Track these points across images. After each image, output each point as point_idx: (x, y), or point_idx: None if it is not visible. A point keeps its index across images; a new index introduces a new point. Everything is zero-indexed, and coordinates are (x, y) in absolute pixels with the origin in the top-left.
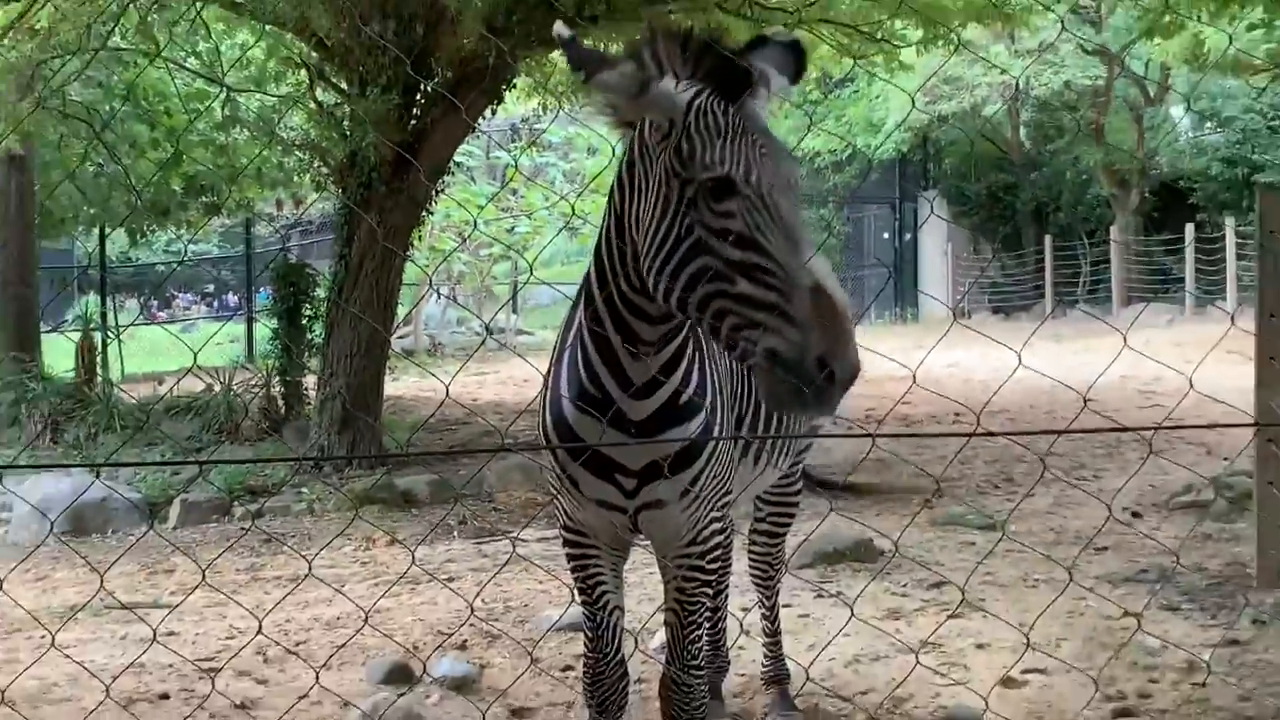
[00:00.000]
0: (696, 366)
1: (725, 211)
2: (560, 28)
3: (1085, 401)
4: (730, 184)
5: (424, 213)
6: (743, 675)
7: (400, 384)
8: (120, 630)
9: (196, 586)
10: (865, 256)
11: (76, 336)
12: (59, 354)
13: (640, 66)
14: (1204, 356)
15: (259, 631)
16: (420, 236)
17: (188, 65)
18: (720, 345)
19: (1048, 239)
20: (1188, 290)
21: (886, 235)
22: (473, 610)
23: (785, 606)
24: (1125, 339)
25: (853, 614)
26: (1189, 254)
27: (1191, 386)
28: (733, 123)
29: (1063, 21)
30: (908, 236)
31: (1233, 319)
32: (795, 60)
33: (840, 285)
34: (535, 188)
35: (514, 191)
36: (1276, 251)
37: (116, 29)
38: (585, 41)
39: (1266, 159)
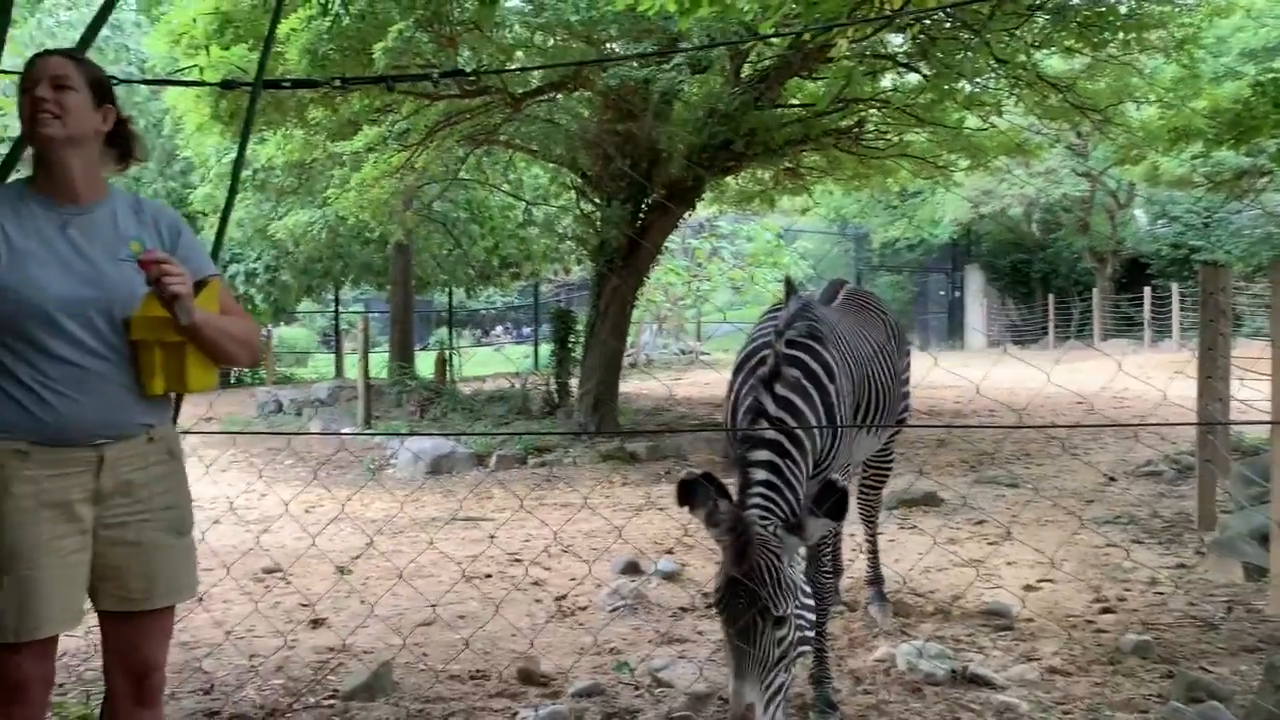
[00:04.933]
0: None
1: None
2: (683, 484)
3: (1098, 408)
4: (720, 603)
5: (644, 278)
6: (852, 578)
7: (627, 385)
8: (461, 533)
9: (507, 508)
10: (929, 306)
11: (434, 353)
12: (425, 364)
13: (709, 512)
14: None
15: (554, 538)
16: (641, 293)
17: (501, 189)
18: None
19: (1050, 296)
20: (1146, 330)
21: (942, 293)
22: (680, 528)
23: (881, 534)
24: (1120, 365)
25: (935, 543)
26: (1146, 307)
27: (1165, 396)
28: (735, 566)
29: (1079, 153)
30: (957, 294)
31: (1194, 350)
32: (838, 504)
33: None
34: (713, 262)
35: (699, 264)
36: (1211, 307)
37: (463, 168)
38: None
39: (1201, 244)
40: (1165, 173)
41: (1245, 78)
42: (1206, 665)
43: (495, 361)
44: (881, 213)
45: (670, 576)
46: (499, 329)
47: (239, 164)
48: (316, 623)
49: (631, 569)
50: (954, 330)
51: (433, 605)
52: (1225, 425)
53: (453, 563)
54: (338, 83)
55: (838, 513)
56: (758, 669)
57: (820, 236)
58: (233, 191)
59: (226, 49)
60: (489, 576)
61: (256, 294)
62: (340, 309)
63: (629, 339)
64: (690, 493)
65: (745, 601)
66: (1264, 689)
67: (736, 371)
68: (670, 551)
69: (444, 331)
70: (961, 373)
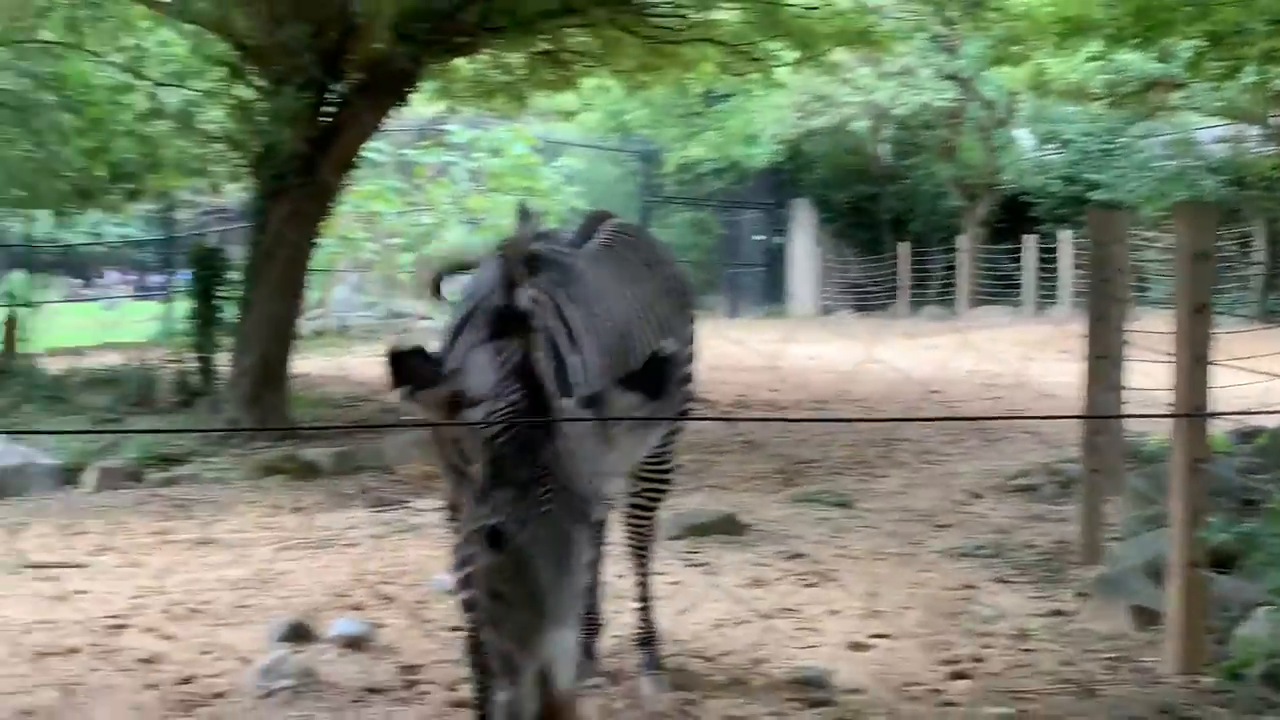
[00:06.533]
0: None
1: (489, 565)
2: (395, 357)
3: (933, 392)
4: (496, 541)
5: (334, 204)
6: (616, 637)
7: (310, 362)
8: (34, 588)
9: (106, 548)
10: (740, 255)
11: (2, 312)
12: None
13: (452, 392)
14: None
15: (163, 591)
16: (331, 226)
17: (112, 60)
18: None
19: (903, 245)
20: (1027, 295)
21: (760, 237)
22: (368, 574)
23: (657, 574)
24: (966, 337)
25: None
26: (1029, 262)
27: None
28: (521, 474)
29: (945, 48)
30: (778, 239)
31: (1064, 322)
32: (655, 379)
33: (568, 670)
34: (440, 184)
35: (420, 187)
36: (1103, 264)
37: (45, 23)
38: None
39: (1100, 178)
40: (1056, 79)
41: None
42: None
43: (102, 325)
44: (678, 123)
45: (355, 643)
46: (110, 275)
47: None
48: None
49: (297, 635)
50: (775, 290)
51: None
52: (1117, 421)
53: (15, 632)
54: None
55: (654, 387)
56: (570, 613)
57: (594, 153)
58: None
59: None
60: (75, 652)
61: None
62: None
63: (310, 295)
64: (409, 368)
65: (554, 502)
66: None
67: (454, 334)
68: (358, 607)
69: (17, 279)
70: (781, 350)
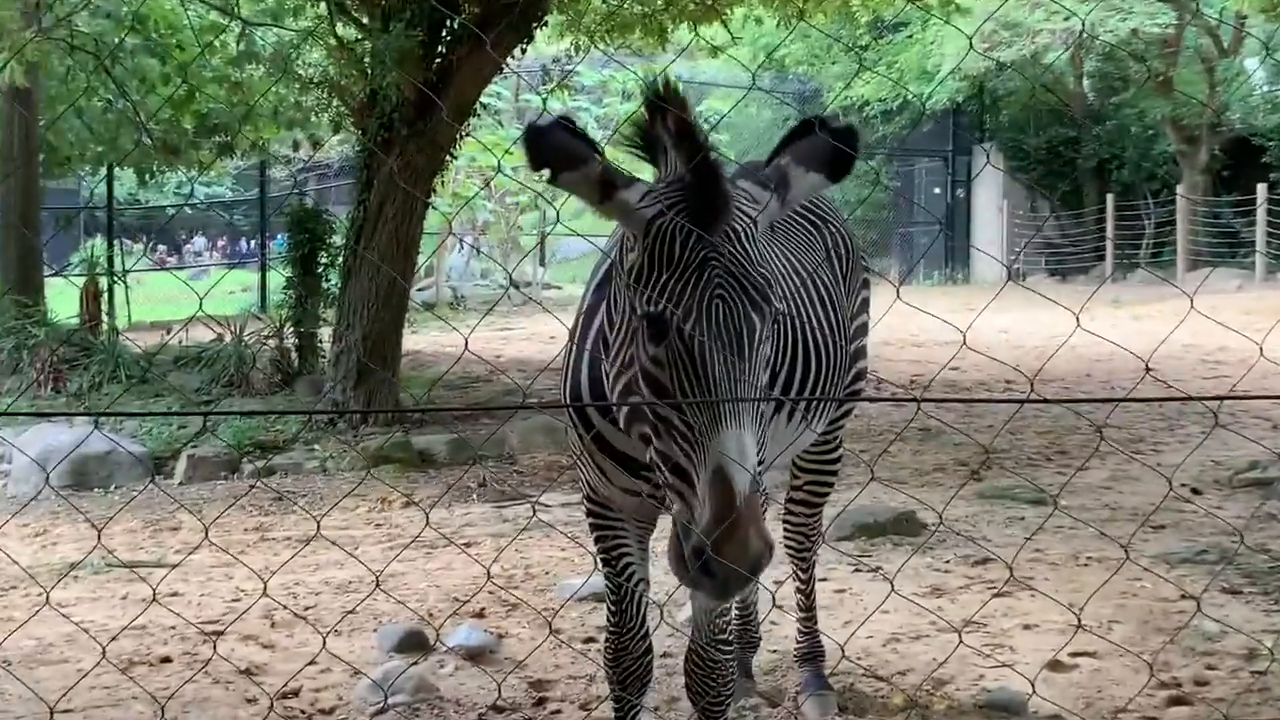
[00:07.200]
0: None
1: (655, 357)
2: (534, 133)
3: (1147, 369)
4: (662, 328)
5: (447, 156)
6: (775, 652)
7: (420, 337)
8: (121, 589)
9: (200, 545)
10: (915, 212)
11: (81, 281)
12: (63, 299)
13: (604, 169)
14: (1274, 324)
15: (264, 594)
16: (444, 182)
17: None
18: None
19: (1109, 197)
20: (1258, 254)
21: (938, 190)
22: (490, 577)
23: (821, 581)
24: (1192, 302)
25: (893, 589)
26: (1260, 216)
27: (1261, 354)
28: (690, 256)
29: None
30: (960, 191)
31: None
32: (841, 154)
33: (743, 467)
34: None
35: None
36: None
37: None
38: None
39: None
40: None
41: None
42: None
43: (191, 298)
44: (841, 58)
45: (476, 655)
46: (200, 241)
47: None
48: None
49: (412, 644)
50: (956, 250)
51: (62, 710)
52: None
53: (100, 641)
54: None
55: (837, 167)
56: (747, 409)
57: (742, 94)
58: None
59: None
60: (167, 661)
61: None
62: None
63: (421, 262)
64: (548, 146)
65: (726, 284)
66: None
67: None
68: (479, 614)
69: (98, 244)
70: (963, 320)
